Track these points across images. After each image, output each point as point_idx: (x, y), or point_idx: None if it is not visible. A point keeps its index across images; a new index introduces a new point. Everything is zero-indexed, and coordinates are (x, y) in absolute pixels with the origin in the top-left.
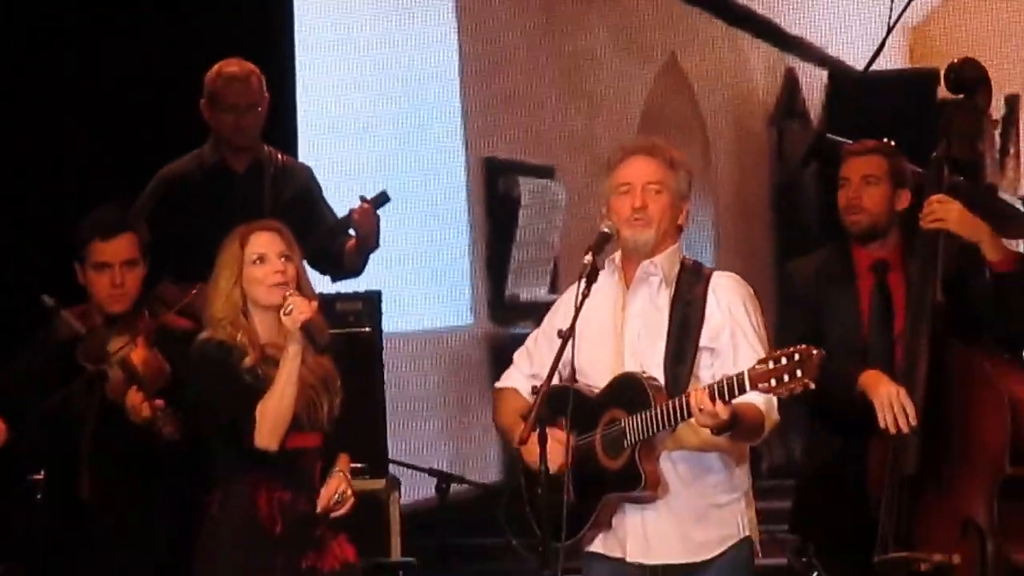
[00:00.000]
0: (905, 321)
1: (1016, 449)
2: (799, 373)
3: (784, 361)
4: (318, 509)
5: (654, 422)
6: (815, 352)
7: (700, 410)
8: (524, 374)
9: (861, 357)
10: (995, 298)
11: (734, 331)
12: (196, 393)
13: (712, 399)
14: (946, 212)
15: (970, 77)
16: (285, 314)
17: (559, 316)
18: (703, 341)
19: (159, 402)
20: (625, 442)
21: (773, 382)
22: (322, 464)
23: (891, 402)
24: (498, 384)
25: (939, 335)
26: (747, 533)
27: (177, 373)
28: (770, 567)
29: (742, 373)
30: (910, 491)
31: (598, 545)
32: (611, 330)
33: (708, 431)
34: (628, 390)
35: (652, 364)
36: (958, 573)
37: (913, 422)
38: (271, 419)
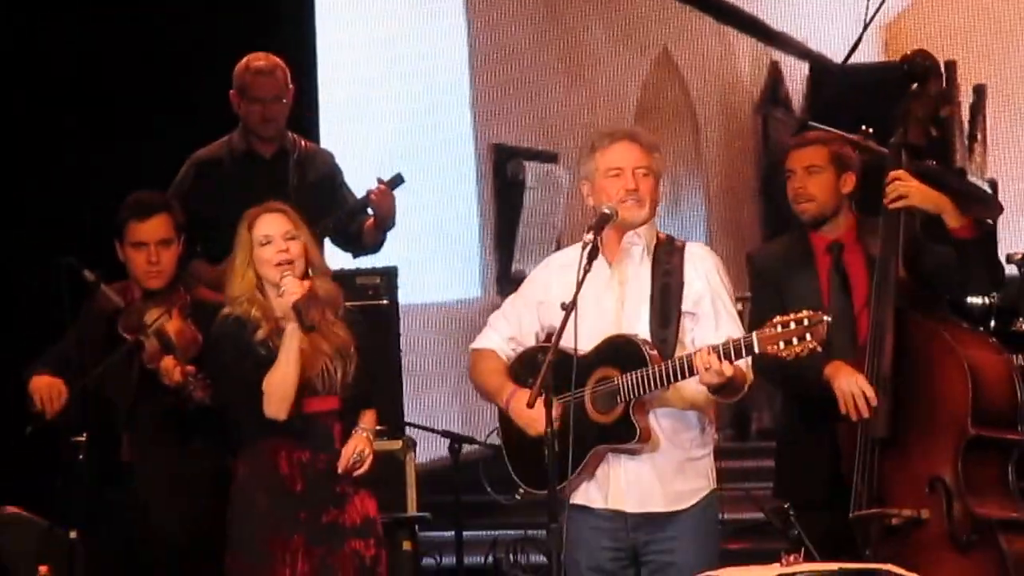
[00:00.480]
0: (870, 296)
1: (978, 411)
2: (807, 337)
3: (793, 325)
4: (339, 469)
5: (650, 380)
6: (825, 318)
7: (707, 369)
8: (503, 336)
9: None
10: (958, 263)
11: (714, 298)
12: (216, 365)
13: (720, 359)
14: (906, 189)
15: (920, 66)
16: (279, 295)
17: (538, 285)
18: (685, 306)
19: (191, 368)
20: (619, 397)
21: (782, 344)
22: (342, 424)
23: (851, 391)
24: (475, 345)
25: (903, 308)
26: (715, 485)
27: (212, 342)
28: (747, 521)
29: (750, 336)
30: (881, 453)
31: (580, 497)
32: (602, 298)
33: (691, 391)
34: (622, 350)
35: (639, 328)
36: (927, 526)
37: (873, 404)
38: (277, 392)
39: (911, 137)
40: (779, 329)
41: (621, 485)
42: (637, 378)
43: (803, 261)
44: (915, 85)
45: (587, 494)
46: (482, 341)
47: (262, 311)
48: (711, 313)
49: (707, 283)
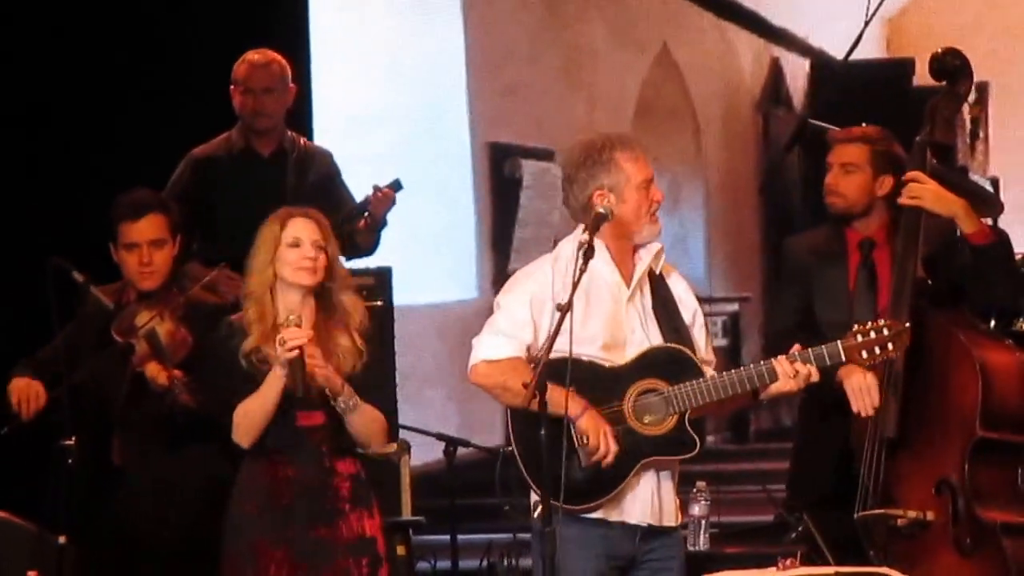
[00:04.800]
0: (888, 295)
1: (988, 413)
2: (890, 346)
3: (873, 335)
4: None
5: (710, 391)
6: (907, 326)
7: (793, 376)
8: (522, 344)
9: (847, 329)
10: (974, 270)
11: (696, 312)
12: (202, 374)
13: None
14: (921, 191)
15: (952, 65)
16: (279, 344)
17: (545, 288)
18: (686, 319)
19: (178, 372)
20: (671, 408)
21: (864, 354)
22: (332, 439)
23: (860, 389)
24: (491, 355)
25: (919, 308)
26: None
27: (201, 346)
28: (744, 525)
29: (835, 344)
30: (889, 452)
31: (598, 511)
32: (618, 309)
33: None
34: (669, 361)
35: (655, 339)
36: (932, 528)
37: (875, 404)
38: (243, 423)
39: (937, 136)
40: (859, 339)
41: (649, 499)
42: (691, 389)
43: (835, 255)
44: (945, 84)
45: (606, 508)
46: (499, 350)
47: (259, 314)
48: (702, 329)
49: (693, 298)
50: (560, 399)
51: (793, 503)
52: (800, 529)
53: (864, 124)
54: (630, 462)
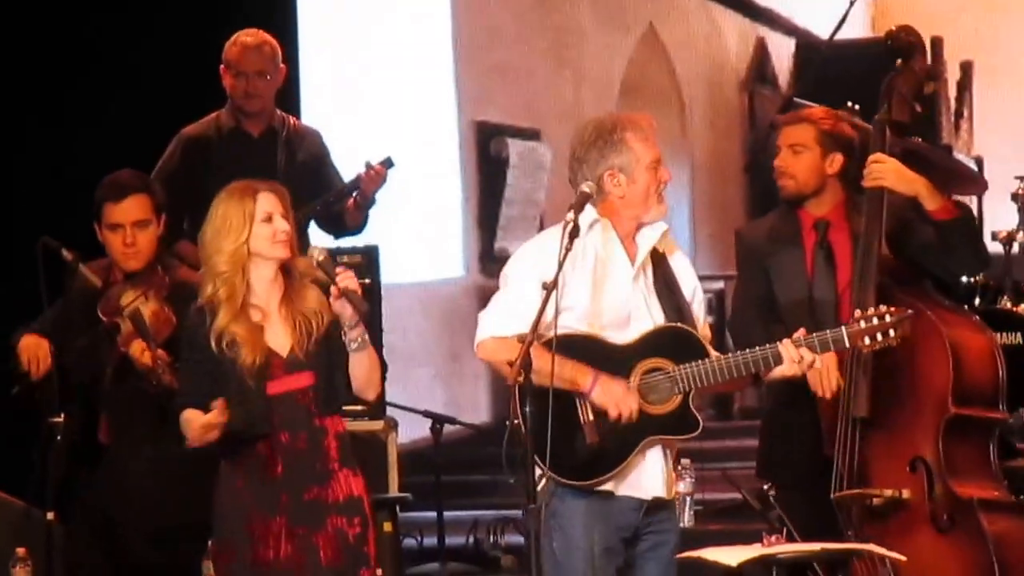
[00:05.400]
0: (853, 274)
1: (960, 391)
2: (892, 333)
3: (876, 321)
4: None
5: (715, 372)
6: (910, 313)
7: (798, 361)
8: (525, 323)
9: (807, 310)
10: (940, 245)
11: (696, 289)
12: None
13: (812, 351)
14: (883, 171)
15: (904, 43)
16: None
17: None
18: (687, 297)
19: (161, 353)
20: (676, 388)
21: (867, 339)
22: (319, 396)
23: (818, 370)
24: (497, 332)
25: (884, 286)
26: None
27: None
28: (728, 502)
29: (840, 329)
30: (862, 432)
31: (606, 484)
32: (623, 287)
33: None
34: (675, 341)
35: (658, 317)
36: (908, 506)
37: (835, 386)
38: (185, 427)
39: (895, 114)
40: (862, 325)
41: (660, 473)
42: (700, 370)
43: (790, 238)
44: (899, 61)
45: (613, 481)
46: (507, 327)
47: (229, 293)
48: (701, 303)
49: (693, 275)
50: (570, 373)
51: (760, 487)
52: (775, 513)
53: (849, 103)
54: (635, 439)
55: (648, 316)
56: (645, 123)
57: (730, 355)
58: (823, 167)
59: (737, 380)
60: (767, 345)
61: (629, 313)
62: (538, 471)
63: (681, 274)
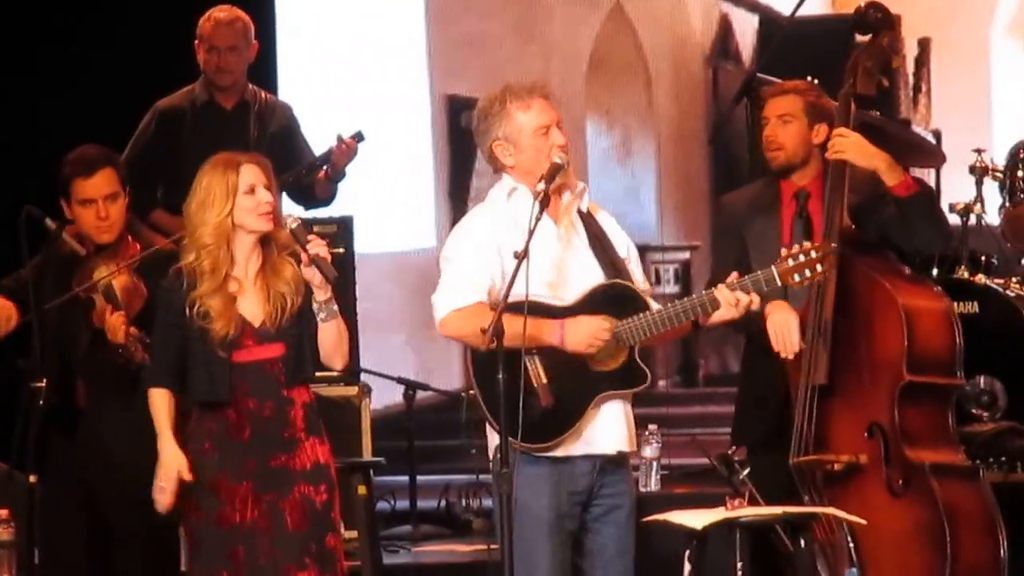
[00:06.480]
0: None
1: (913, 358)
2: (819, 267)
3: (803, 258)
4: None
5: (657, 323)
6: (833, 246)
7: (735, 304)
8: (483, 290)
9: None
10: (899, 220)
11: (629, 246)
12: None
13: (747, 293)
14: (845, 144)
15: (873, 18)
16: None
17: (488, 235)
18: (620, 253)
19: (135, 330)
20: (620, 343)
21: (797, 276)
22: (287, 372)
23: (778, 328)
24: (456, 304)
25: (844, 256)
26: None
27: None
28: (693, 466)
29: (770, 270)
30: (821, 399)
31: (560, 449)
32: (551, 249)
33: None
34: (615, 297)
35: (596, 277)
36: (865, 471)
37: (795, 349)
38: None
39: (860, 88)
40: (790, 263)
41: (598, 427)
42: (640, 322)
43: (768, 206)
44: (868, 36)
45: (568, 443)
46: (464, 298)
47: (213, 265)
48: (637, 259)
49: (623, 233)
50: (535, 331)
51: (724, 452)
52: (740, 478)
53: (809, 77)
54: (586, 398)
55: (585, 275)
56: (536, 91)
57: (668, 305)
58: (809, 137)
59: (677, 329)
60: (703, 292)
61: (565, 273)
62: (493, 438)
63: (611, 232)
